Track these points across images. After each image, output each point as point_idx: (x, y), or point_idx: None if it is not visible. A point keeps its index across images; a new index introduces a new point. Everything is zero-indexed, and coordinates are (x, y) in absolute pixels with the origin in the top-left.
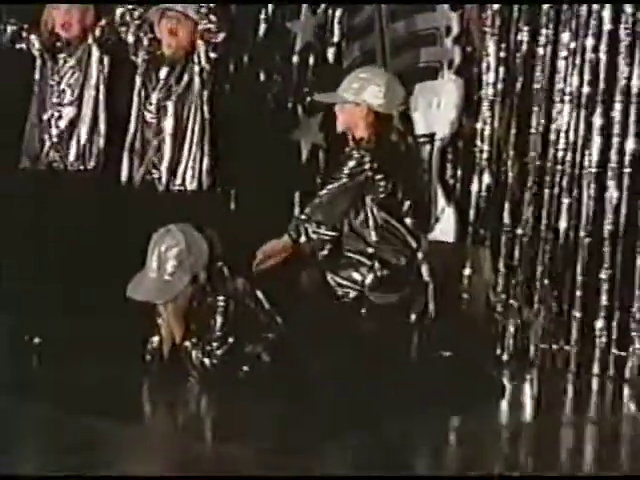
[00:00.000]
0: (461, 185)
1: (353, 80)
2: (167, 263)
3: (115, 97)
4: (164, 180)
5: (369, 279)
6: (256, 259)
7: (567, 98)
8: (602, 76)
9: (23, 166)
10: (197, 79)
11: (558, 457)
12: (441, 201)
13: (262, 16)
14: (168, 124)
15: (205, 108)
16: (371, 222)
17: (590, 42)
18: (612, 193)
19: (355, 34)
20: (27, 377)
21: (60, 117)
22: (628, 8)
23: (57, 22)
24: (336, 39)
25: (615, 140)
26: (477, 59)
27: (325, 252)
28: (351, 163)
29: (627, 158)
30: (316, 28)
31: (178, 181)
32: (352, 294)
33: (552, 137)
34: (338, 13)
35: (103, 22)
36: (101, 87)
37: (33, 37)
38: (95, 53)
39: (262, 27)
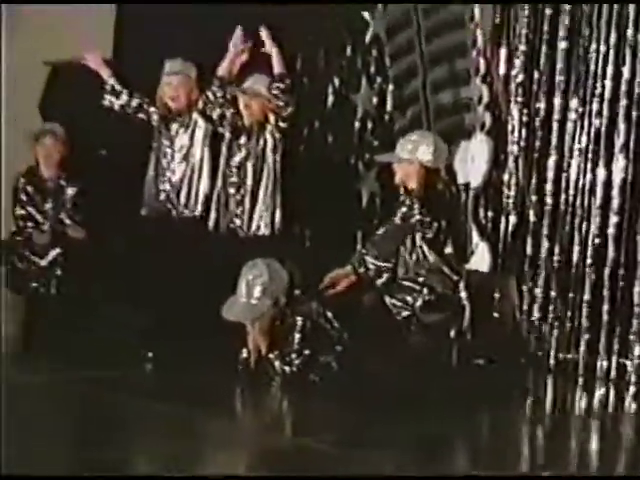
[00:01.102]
0: (492, 224)
1: (407, 142)
2: (254, 290)
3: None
4: (245, 227)
5: (419, 302)
6: (323, 283)
7: (576, 153)
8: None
9: (144, 213)
10: (270, 144)
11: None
12: (475, 237)
13: (330, 90)
14: (247, 181)
15: (277, 167)
16: (421, 257)
17: (595, 107)
18: (613, 230)
19: (404, 103)
20: (144, 382)
21: (172, 174)
22: (626, 73)
23: (168, 96)
24: (389, 108)
25: (615, 186)
26: (504, 122)
27: (383, 280)
28: (404, 209)
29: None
30: (373, 99)
31: (254, 227)
32: (404, 314)
33: (564, 185)
34: (391, 87)
35: (204, 96)
36: (205, 150)
37: (152, 109)
38: (199, 122)
39: (330, 99)
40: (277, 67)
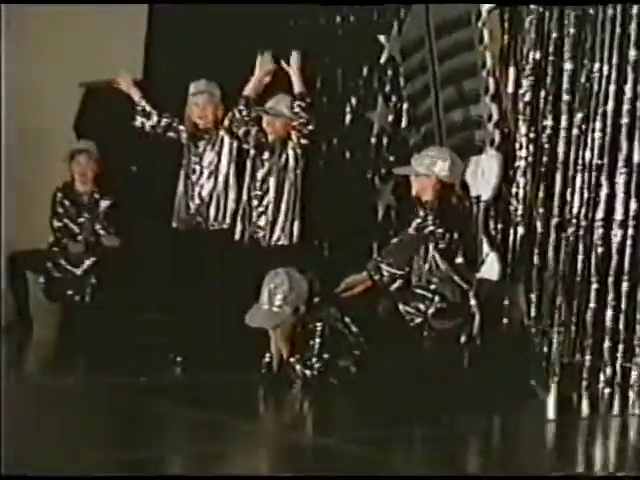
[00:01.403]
0: (501, 235)
1: (425, 157)
2: (275, 298)
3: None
4: (267, 237)
5: (431, 309)
6: (340, 287)
7: (580, 167)
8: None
9: (174, 226)
10: (292, 160)
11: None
12: (485, 248)
13: (347, 108)
14: (270, 194)
15: (298, 181)
16: (433, 266)
17: (598, 124)
18: (616, 239)
19: (418, 121)
20: (173, 385)
21: (201, 188)
22: (628, 92)
23: (196, 115)
24: (404, 125)
25: (618, 199)
26: (512, 139)
27: (397, 286)
28: (418, 220)
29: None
30: (389, 117)
31: (275, 238)
32: (417, 320)
33: (569, 197)
34: (405, 105)
35: (230, 115)
36: (232, 165)
37: (182, 128)
38: (225, 139)
39: (348, 117)
40: (297, 86)
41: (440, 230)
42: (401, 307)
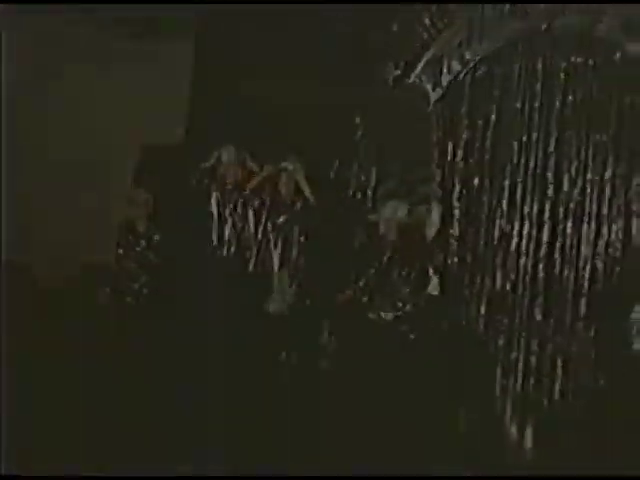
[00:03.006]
0: (442, 262)
1: (390, 207)
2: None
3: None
4: (276, 269)
5: (392, 316)
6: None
7: (498, 213)
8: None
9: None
10: (299, 210)
11: None
12: (431, 272)
13: (331, 170)
14: (280, 238)
15: (303, 226)
16: (397, 287)
17: (512, 184)
18: (530, 262)
19: (384, 180)
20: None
21: (227, 229)
22: (532, 161)
23: (228, 173)
24: (373, 182)
25: (524, 236)
26: (450, 194)
27: (373, 302)
28: (388, 254)
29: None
30: (362, 176)
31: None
32: (381, 324)
33: (497, 234)
34: (374, 168)
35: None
36: (252, 213)
37: (213, 186)
38: (247, 193)
39: (332, 175)
40: (306, 191)
41: (404, 261)
42: (370, 315)
